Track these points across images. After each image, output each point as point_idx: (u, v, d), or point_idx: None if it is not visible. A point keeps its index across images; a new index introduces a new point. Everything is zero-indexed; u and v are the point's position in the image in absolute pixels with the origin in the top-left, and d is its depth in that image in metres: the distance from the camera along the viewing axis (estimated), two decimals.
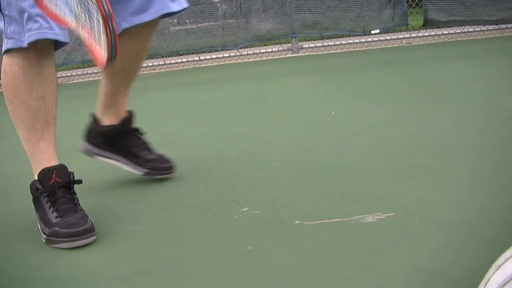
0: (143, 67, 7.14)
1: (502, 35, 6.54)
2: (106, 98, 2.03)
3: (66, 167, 1.69)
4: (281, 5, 6.97)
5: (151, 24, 1.90)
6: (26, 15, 1.54)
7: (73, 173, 1.69)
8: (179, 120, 3.33)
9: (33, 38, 1.55)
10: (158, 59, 7.44)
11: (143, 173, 2.04)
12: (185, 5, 1.91)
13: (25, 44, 1.57)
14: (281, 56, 7.07)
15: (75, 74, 7.56)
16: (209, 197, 1.76)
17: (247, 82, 5.07)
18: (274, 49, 7.28)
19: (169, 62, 7.24)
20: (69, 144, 3.07)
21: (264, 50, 7.30)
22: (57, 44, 1.67)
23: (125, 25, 1.83)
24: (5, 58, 1.64)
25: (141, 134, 2.11)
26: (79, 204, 1.65)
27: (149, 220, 1.69)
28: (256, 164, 2.13)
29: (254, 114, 3.29)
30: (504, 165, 1.83)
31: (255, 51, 7.30)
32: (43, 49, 1.62)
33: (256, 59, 7.11)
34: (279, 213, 1.61)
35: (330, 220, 1.50)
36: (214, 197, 1.76)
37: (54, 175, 1.64)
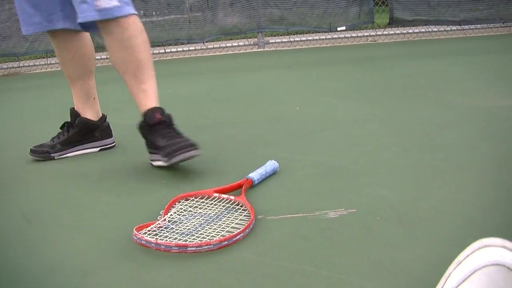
0: (102, 58, 7.10)
1: (465, 35, 6.66)
2: (133, 97, 2.09)
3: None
4: None
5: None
6: None
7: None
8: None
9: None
10: None
11: (166, 163, 1.91)
12: (85, 19, 2.00)
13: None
14: (247, 51, 7.06)
15: (38, 64, 7.42)
16: (171, 191, 1.74)
17: (212, 75, 5.04)
18: (240, 43, 7.27)
19: None
20: (30, 132, 3.01)
21: (230, 44, 7.29)
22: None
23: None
24: None
25: (169, 124, 2.02)
26: None
27: (111, 213, 1.67)
28: (218, 158, 2.12)
29: (218, 108, 3.27)
30: (465, 163, 1.85)
31: (221, 45, 7.28)
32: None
33: (222, 53, 7.09)
34: None
35: (292, 215, 1.50)
36: (176, 191, 1.73)
37: None
